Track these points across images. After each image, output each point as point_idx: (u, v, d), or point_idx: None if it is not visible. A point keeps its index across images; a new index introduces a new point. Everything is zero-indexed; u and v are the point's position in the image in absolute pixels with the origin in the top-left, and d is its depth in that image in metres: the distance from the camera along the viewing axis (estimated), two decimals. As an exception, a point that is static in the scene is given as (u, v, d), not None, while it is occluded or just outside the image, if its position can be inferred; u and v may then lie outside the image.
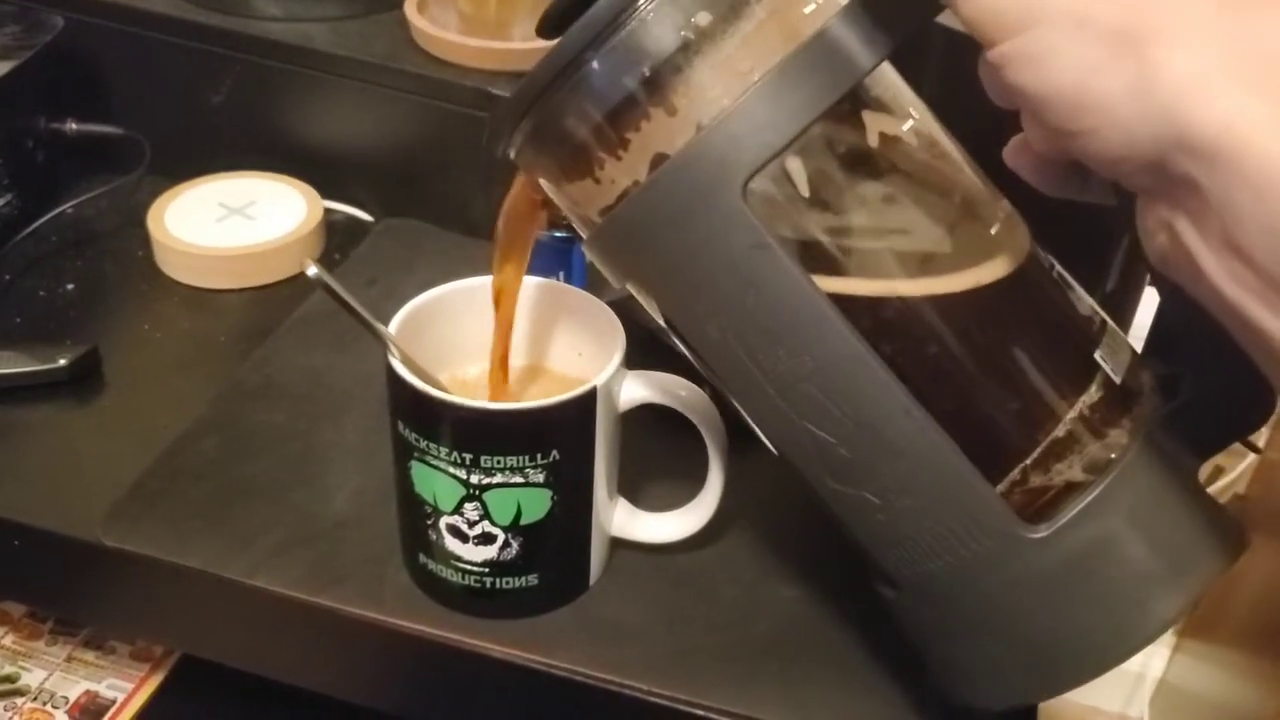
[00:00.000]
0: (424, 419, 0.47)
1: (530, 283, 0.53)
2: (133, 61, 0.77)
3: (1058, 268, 0.44)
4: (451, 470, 0.47)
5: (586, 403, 0.47)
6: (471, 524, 0.48)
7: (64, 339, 0.66)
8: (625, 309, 0.52)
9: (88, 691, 0.75)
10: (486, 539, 0.49)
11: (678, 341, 0.44)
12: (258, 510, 0.56)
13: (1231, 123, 0.29)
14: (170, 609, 0.56)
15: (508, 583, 0.50)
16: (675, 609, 0.52)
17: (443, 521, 0.49)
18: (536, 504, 0.48)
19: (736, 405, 0.43)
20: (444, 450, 0.47)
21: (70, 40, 0.75)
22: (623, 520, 0.53)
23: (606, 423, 0.49)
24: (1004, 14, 0.32)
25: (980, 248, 0.42)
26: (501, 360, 0.51)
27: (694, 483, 0.52)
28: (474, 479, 0.47)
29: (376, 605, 0.52)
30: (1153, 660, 1.18)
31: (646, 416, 0.51)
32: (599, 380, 0.47)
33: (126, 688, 0.76)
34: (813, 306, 0.39)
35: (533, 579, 0.50)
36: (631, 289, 0.43)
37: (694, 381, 0.50)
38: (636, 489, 0.55)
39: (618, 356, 0.49)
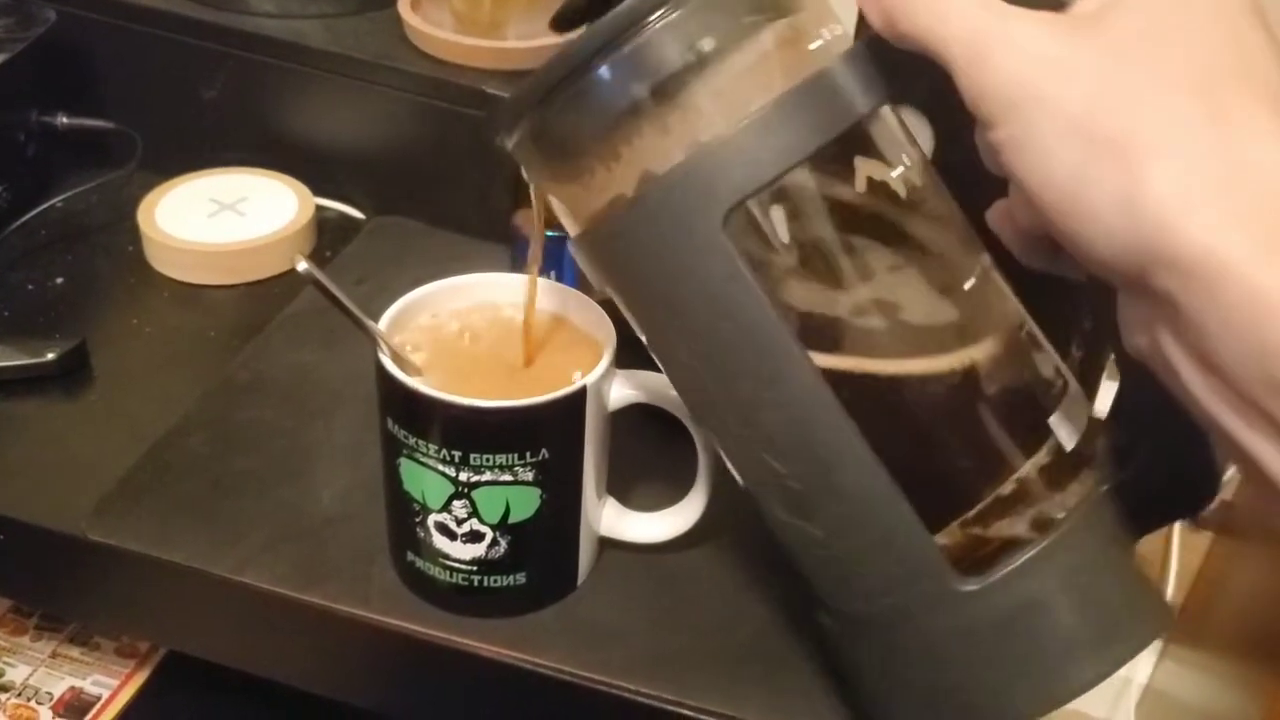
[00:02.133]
0: (413, 416, 0.47)
1: (522, 281, 0.53)
2: (125, 56, 0.77)
3: (1029, 325, 0.44)
4: (440, 468, 0.47)
5: (576, 401, 0.47)
6: (460, 522, 0.48)
7: (53, 333, 0.65)
8: (616, 308, 0.52)
9: (73, 688, 0.75)
10: (475, 537, 0.49)
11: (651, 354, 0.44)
12: (245, 506, 0.56)
13: (1212, 247, 0.29)
14: (156, 605, 0.56)
15: (495, 581, 0.50)
16: (662, 610, 0.52)
17: (431, 519, 0.49)
18: (525, 502, 0.48)
19: (697, 422, 0.44)
20: (433, 447, 0.47)
21: (62, 33, 0.74)
22: (611, 520, 0.53)
23: (596, 422, 0.49)
24: (1004, 99, 0.33)
25: (960, 322, 0.43)
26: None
27: (683, 483, 0.52)
28: (463, 476, 0.47)
29: (363, 603, 0.52)
30: (1139, 666, 1.18)
31: (636, 416, 0.51)
32: (589, 379, 0.47)
33: (111, 684, 0.76)
34: (781, 343, 0.39)
35: (520, 578, 0.50)
36: (611, 295, 0.43)
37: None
38: (625, 489, 0.55)
39: (608, 356, 0.49)
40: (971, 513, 0.41)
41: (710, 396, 0.41)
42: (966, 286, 0.42)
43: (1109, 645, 0.40)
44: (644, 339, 0.43)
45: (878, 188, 0.42)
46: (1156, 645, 1.16)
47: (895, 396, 0.41)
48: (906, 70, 0.37)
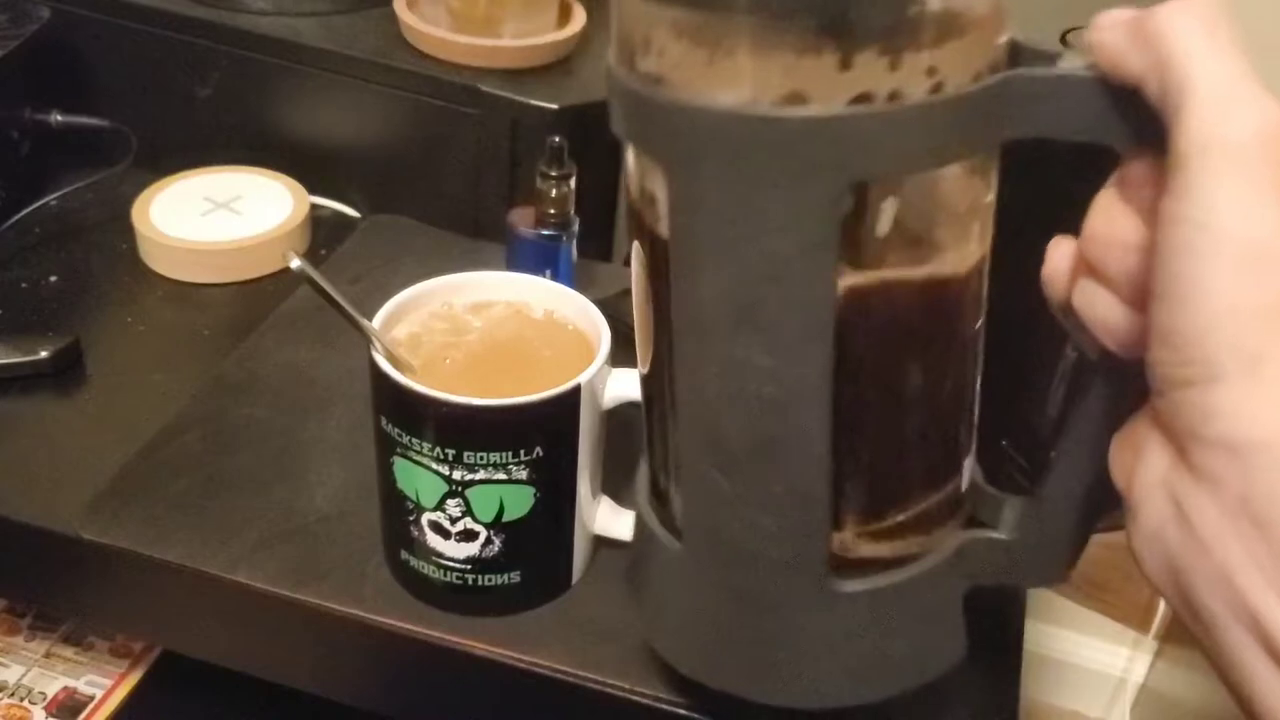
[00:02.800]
0: (407, 414, 0.47)
1: (516, 279, 0.53)
2: (120, 53, 0.77)
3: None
4: (434, 466, 0.47)
5: (571, 400, 0.47)
6: (454, 520, 0.48)
7: (46, 331, 0.65)
8: (611, 307, 0.52)
9: (66, 688, 0.75)
10: (469, 536, 0.49)
11: (638, 262, 0.41)
12: (239, 505, 0.55)
13: None
14: (149, 603, 0.56)
15: (490, 580, 0.50)
16: (658, 608, 0.52)
17: (425, 518, 0.49)
18: (519, 501, 0.48)
19: (662, 340, 0.41)
20: (426, 446, 0.47)
21: (57, 31, 0.74)
22: (606, 518, 0.53)
23: (590, 420, 0.49)
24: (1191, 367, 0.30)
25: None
26: None
27: (678, 482, 0.52)
28: (456, 475, 0.47)
29: (357, 601, 0.51)
30: (1135, 665, 1.18)
31: (630, 414, 0.50)
32: (583, 377, 0.47)
33: (105, 684, 0.75)
34: (815, 326, 0.36)
35: (515, 576, 0.50)
36: (662, 192, 0.37)
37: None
38: (620, 487, 0.54)
39: (603, 354, 0.49)
40: (872, 526, 0.41)
41: (705, 335, 0.37)
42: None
43: (910, 673, 0.43)
44: (669, 251, 0.37)
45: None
46: (1152, 645, 1.16)
47: (863, 409, 0.39)
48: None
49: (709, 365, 0.38)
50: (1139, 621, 1.17)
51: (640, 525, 0.45)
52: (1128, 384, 0.35)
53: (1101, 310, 0.34)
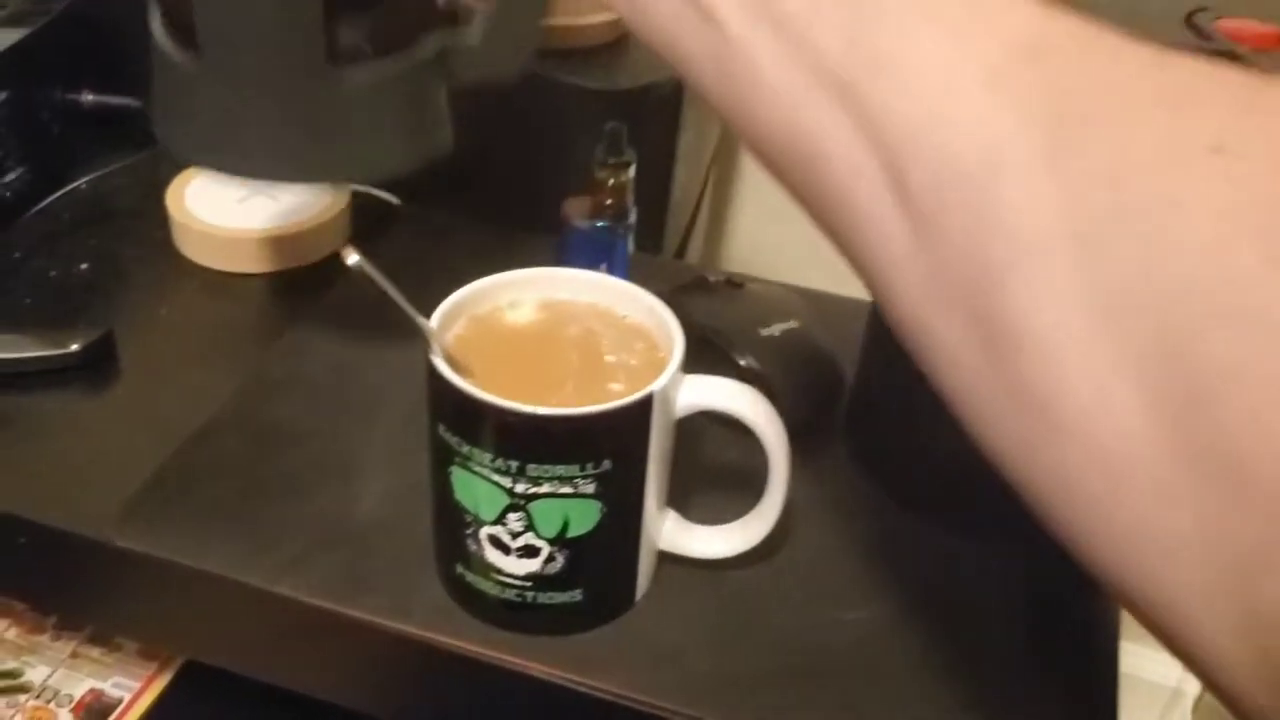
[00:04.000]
0: (467, 422, 0.44)
1: (580, 276, 0.50)
2: (153, 31, 0.74)
3: None
4: (495, 478, 0.44)
5: (643, 409, 0.44)
6: (515, 535, 0.45)
7: (76, 322, 0.62)
8: (678, 305, 0.49)
9: (93, 690, 0.72)
10: (530, 552, 0.45)
11: None
12: (280, 512, 0.52)
13: None
14: (185, 615, 0.53)
15: (550, 598, 0.47)
16: (725, 630, 0.49)
17: (483, 532, 0.45)
18: (585, 516, 0.45)
19: None
20: (488, 456, 0.43)
21: (88, 7, 0.72)
22: (672, 533, 0.50)
23: (661, 430, 0.45)
24: None
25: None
26: None
27: (747, 493, 0.49)
28: (519, 488, 0.44)
29: (406, 617, 0.48)
30: (1191, 675, 1.15)
31: (698, 420, 0.47)
32: (656, 385, 0.44)
33: (133, 686, 0.73)
34: None
35: (576, 594, 0.47)
36: None
37: (752, 385, 0.47)
38: (686, 499, 0.51)
39: (676, 359, 0.45)
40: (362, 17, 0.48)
41: None
42: None
43: (409, 155, 0.52)
44: None
45: None
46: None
47: None
48: None
49: None
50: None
51: (158, 53, 0.50)
52: None
53: None
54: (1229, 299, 0.25)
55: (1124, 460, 0.26)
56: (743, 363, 0.57)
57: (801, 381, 0.59)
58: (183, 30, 0.49)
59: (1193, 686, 1.14)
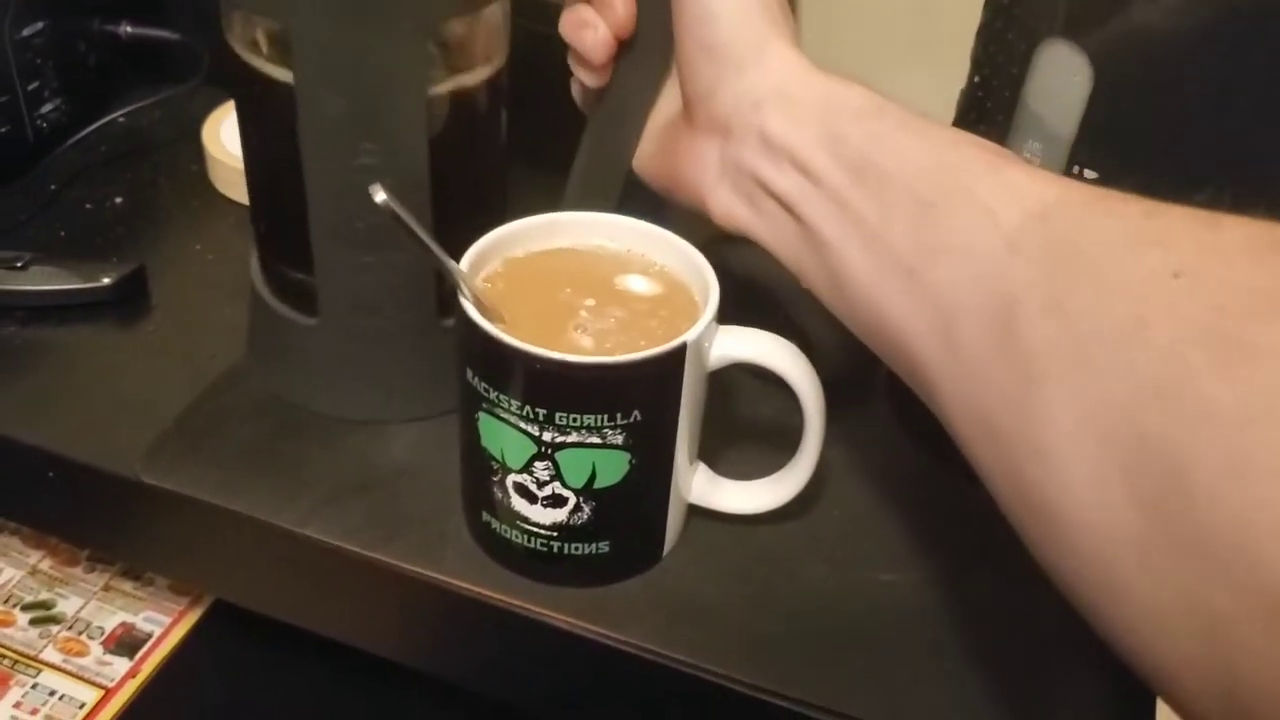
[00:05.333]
0: (495, 368, 0.43)
1: (613, 221, 0.49)
2: (192, -38, 0.73)
3: None
4: (523, 426, 0.43)
5: (675, 360, 0.43)
6: (541, 484, 0.44)
7: (109, 256, 0.62)
8: (716, 254, 0.47)
9: (124, 623, 0.73)
10: (557, 501, 0.45)
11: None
12: (310, 454, 0.52)
13: None
14: (212, 554, 0.53)
15: (577, 549, 0.46)
16: (756, 587, 0.48)
17: (510, 479, 0.45)
18: (613, 467, 0.44)
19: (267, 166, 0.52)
20: (515, 404, 0.43)
21: (127, -64, 0.71)
22: (702, 487, 0.49)
23: (694, 382, 0.44)
24: None
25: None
26: None
27: (780, 448, 0.48)
28: (547, 436, 0.43)
29: (435, 564, 0.48)
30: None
31: (731, 372, 0.46)
32: (690, 335, 0.43)
33: (164, 621, 0.73)
34: (414, 129, 0.47)
35: (604, 546, 0.46)
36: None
37: (789, 338, 0.45)
38: (717, 453, 0.50)
39: (710, 309, 0.44)
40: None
41: (330, 152, 0.48)
42: None
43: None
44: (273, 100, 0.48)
45: None
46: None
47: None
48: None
49: (335, 171, 0.47)
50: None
51: (265, 313, 0.54)
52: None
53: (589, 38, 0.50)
54: (1184, 397, 0.29)
55: (1119, 547, 0.30)
56: (782, 317, 0.56)
57: (842, 338, 0.57)
58: (293, 294, 0.53)
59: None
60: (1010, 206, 0.35)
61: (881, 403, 0.57)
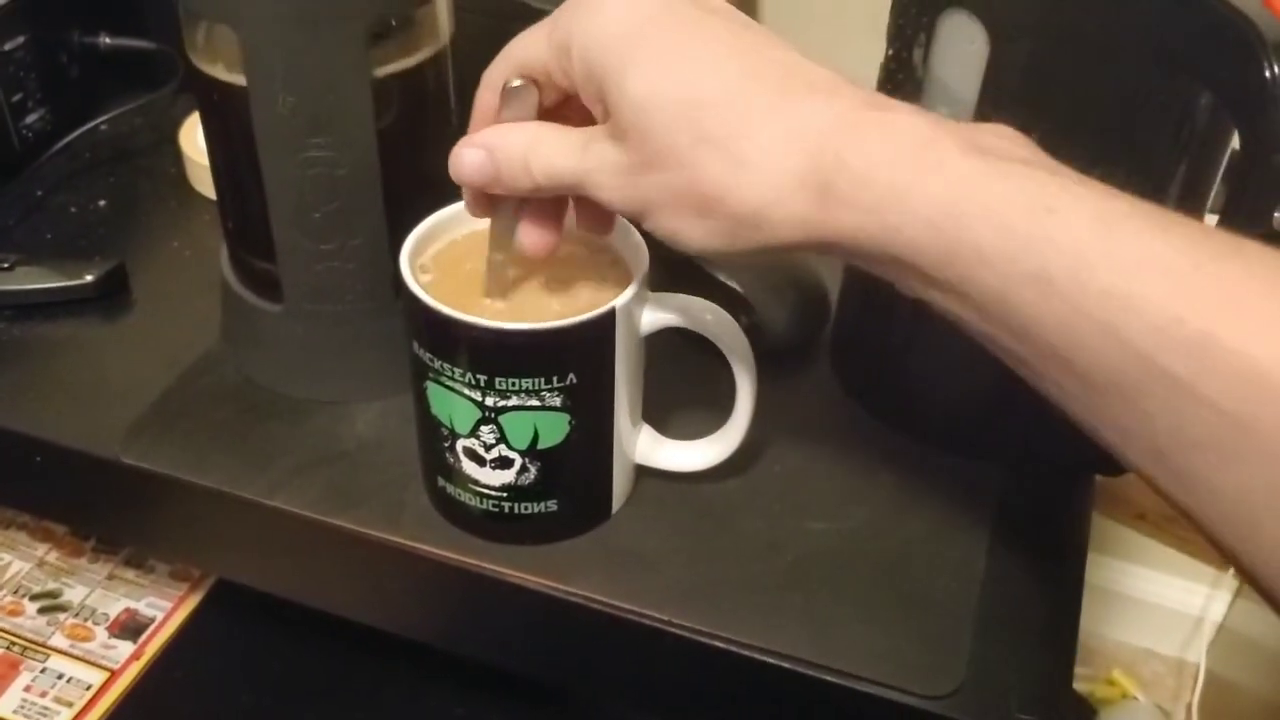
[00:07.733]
0: (438, 339, 0.46)
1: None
2: (167, -26, 0.76)
3: None
4: (466, 392, 0.46)
5: (604, 324, 0.45)
6: (488, 447, 0.47)
7: (94, 255, 0.65)
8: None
9: (128, 609, 0.76)
10: (503, 463, 0.47)
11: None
12: (279, 431, 0.55)
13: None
14: (189, 527, 0.56)
15: (526, 508, 0.49)
16: (698, 539, 0.51)
17: (460, 444, 0.47)
18: (554, 428, 0.47)
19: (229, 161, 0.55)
20: (459, 371, 0.45)
21: (104, -49, 0.73)
22: (646, 448, 0.52)
23: (627, 346, 0.47)
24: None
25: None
26: None
27: (722, 410, 0.50)
28: (489, 401, 0.46)
29: (395, 528, 0.51)
30: (1213, 604, 1.14)
31: (674, 340, 0.49)
32: (618, 301, 0.45)
33: (165, 606, 0.76)
34: (361, 120, 0.50)
35: (552, 504, 0.49)
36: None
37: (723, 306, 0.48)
38: (662, 415, 0.53)
39: (639, 278, 0.47)
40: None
41: (284, 147, 0.51)
42: None
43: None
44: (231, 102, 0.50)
45: None
46: (1232, 583, 1.12)
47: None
48: None
49: (289, 165, 0.50)
50: (1219, 558, 1.13)
51: (235, 302, 0.57)
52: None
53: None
54: None
55: None
56: (725, 282, 0.58)
57: (787, 304, 0.59)
58: (260, 284, 0.56)
59: (1215, 616, 1.14)
60: (1176, 255, 0.33)
61: (825, 367, 0.59)
